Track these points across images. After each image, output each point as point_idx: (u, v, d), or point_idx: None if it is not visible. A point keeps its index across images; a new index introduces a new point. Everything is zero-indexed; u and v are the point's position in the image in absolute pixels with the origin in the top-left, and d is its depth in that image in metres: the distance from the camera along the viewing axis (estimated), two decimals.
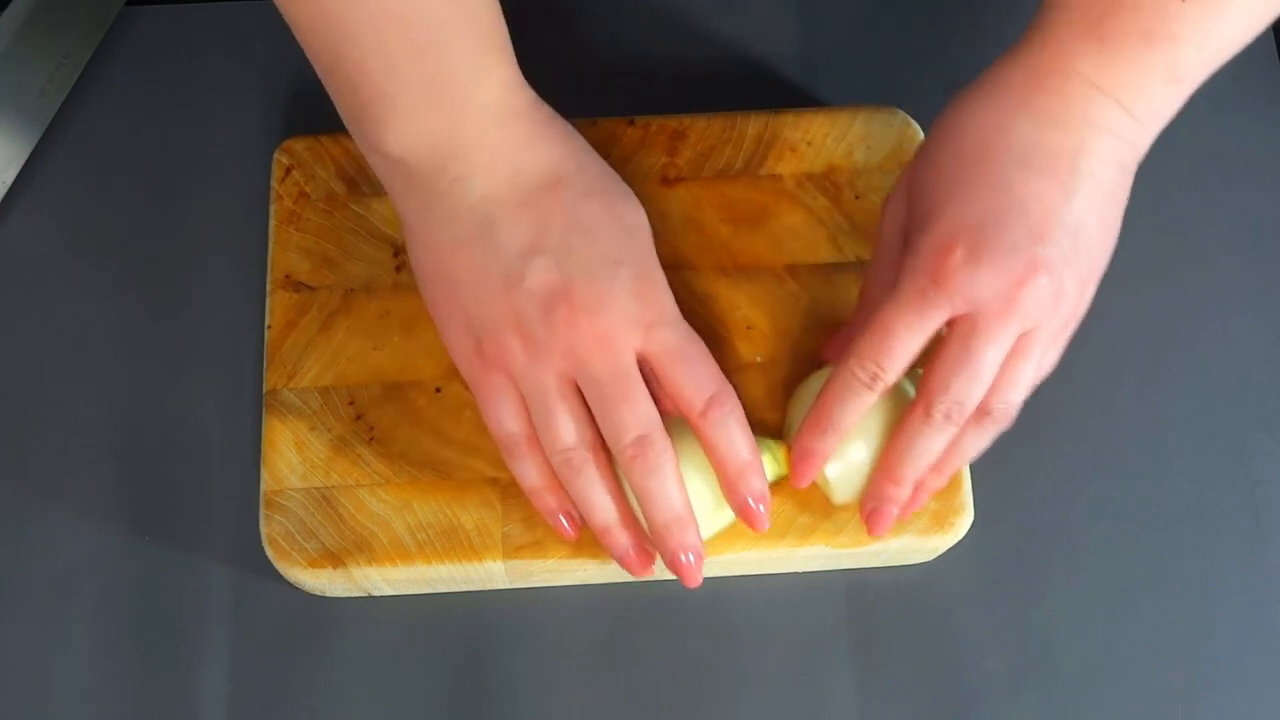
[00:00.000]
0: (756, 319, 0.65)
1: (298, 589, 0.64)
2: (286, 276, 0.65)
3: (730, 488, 0.57)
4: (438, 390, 0.64)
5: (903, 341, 0.55)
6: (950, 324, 0.55)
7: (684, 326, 0.57)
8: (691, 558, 0.56)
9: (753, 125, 0.67)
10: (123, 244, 0.71)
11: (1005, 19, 0.75)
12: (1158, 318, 0.70)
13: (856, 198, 0.66)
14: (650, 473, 0.55)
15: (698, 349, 0.57)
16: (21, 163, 0.71)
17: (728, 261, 0.65)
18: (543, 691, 0.64)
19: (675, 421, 0.62)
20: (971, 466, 0.62)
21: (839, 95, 0.73)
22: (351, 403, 0.63)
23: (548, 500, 0.58)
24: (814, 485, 0.62)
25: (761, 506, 0.57)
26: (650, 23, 0.75)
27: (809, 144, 0.67)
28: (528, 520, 0.61)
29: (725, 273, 0.65)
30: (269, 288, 0.65)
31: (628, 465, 0.55)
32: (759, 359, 0.64)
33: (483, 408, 0.57)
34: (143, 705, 0.64)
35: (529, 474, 0.58)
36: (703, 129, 0.67)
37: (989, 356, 0.54)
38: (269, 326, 0.65)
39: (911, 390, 0.62)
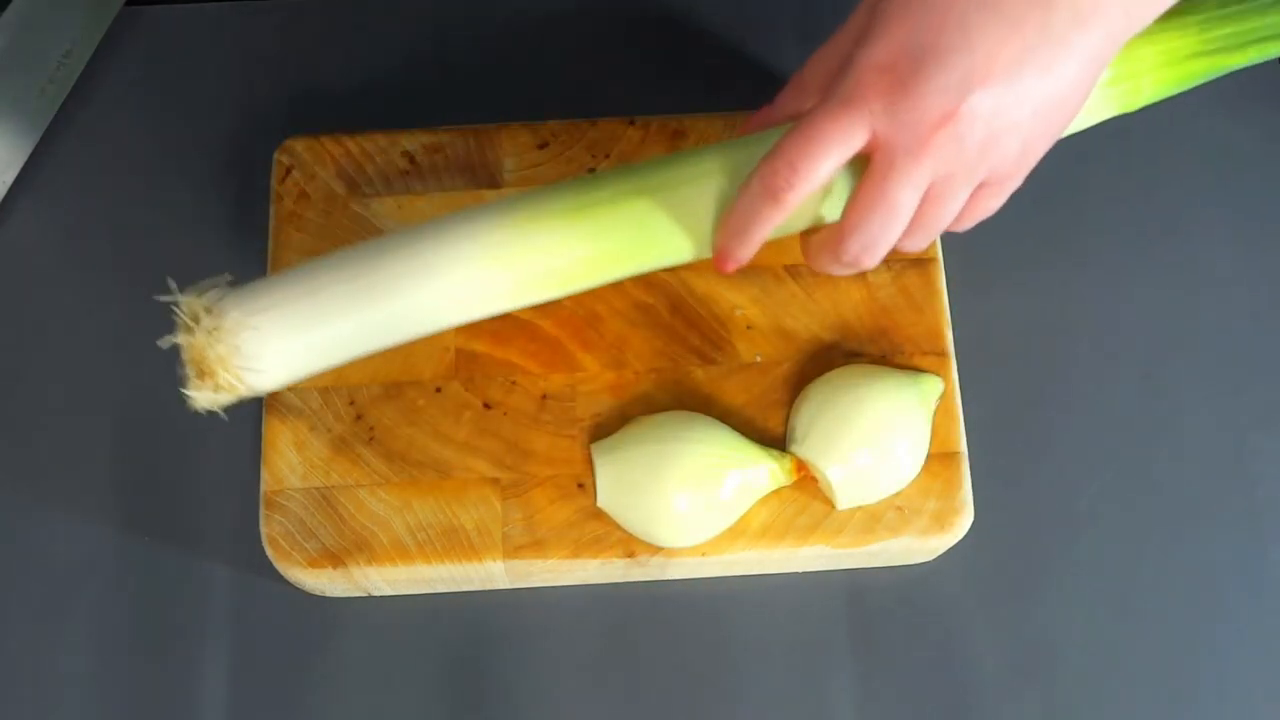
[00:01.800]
0: (756, 319, 0.65)
1: (298, 589, 0.64)
2: None
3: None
4: (438, 390, 0.64)
5: (820, 151, 0.52)
6: (868, 158, 0.53)
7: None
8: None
9: None
10: (123, 243, 0.71)
11: None
12: (1158, 317, 0.70)
13: None
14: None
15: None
16: (22, 162, 0.71)
17: None
18: (542, 691, 0.64)
19: (670, 426, 0.62)
20: (971, 466, 0.63)
21: None
22: (351, 403, 0.63)
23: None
24: (816, 487, 0.62)
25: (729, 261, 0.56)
26: (650, 23, 0.75)
27: None
28: (528, 520, 0.61)
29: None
30: None
31: None
32: (759, 359, 0.64)
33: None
34: (143, 705, 0.64)
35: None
36: (703, 129, 0.67)
37: (903, 198, 0.52)
38: None
39: (917, 391, 0.62)
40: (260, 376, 0.55)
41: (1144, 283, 0.70)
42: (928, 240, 0.55)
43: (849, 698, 0.64)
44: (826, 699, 0.64)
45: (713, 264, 0.56)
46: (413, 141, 0.67)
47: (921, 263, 0.65)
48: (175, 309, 0.54)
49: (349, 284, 0.55)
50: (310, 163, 0.67)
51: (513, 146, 0.67)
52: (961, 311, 0.66)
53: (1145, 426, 0.68)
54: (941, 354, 0.64)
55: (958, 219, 0.55)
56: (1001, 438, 0.67)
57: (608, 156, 0.67)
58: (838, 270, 0.56)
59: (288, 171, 0.67)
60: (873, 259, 0.54)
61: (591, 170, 0.67)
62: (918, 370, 0.64)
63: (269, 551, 0.62)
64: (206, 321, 0.54)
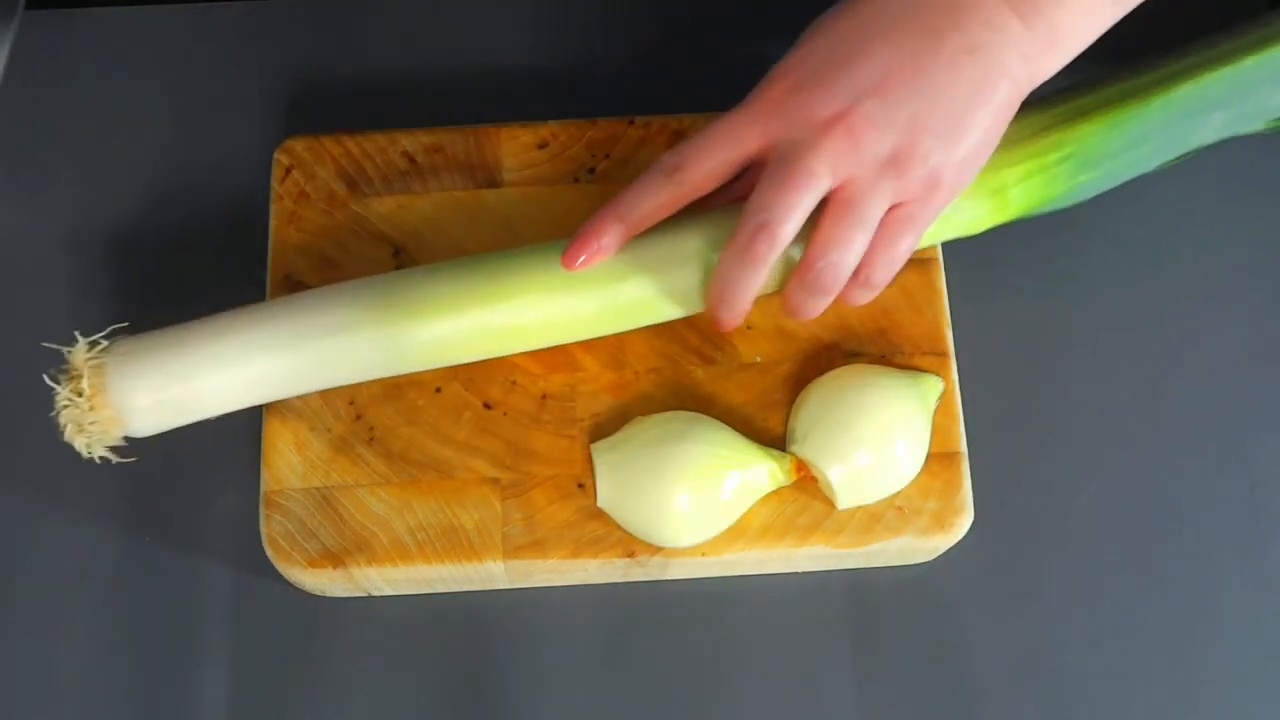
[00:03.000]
0: (756, 319, 0.65)
1: (298, 589, 0.64)
2: (286, 276, 0.65)
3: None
4: (438, 390, 0.64)
5: (714, 148, 0.56)
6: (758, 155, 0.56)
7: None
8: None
9: None
10: (123, 244, 0.71)
11: None
12: (1158, 317, 0.70)
13: None
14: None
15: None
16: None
17: None
18: (543, 691, 0.64)
19: (670, 426, 0.62)
20: (971, 466, 0.63)
21: None
22: (351, 403, 0.63)
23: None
24: (816, 487, 0.62)
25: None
26: (650, 23, 0.75)
27: None
28: (528, 520, 0.61)
29: None
30: (269, 288, 0.65)
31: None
32: (759, 359, 0.64)
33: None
34: (143, 705, 0.64)
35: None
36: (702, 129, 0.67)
37: (798, 184, 0.54)
38: None
39: (917, 391, 0.62)
40: (132, 425, 0.57)
41: (1144, 282, 0.70)
42: (844, 266, 0.55)
43: (849, 698, 0.64)
44: (826, 699, 0.64)
45: (564, 260, 0.58)
46: (413, 141, 0.67)
47: (921, 263, 0.65)
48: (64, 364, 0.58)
49: (213, 345, 0.58)
50: (310, 163, 0.67)
51: (513, 146, 0.67)
52: (961, 311, 0.66)
53: (1145, 427, 0.68)
54: (941, 354, 0.64)
55: (872, 258, 0.56)
56: (1001, 438, 0.67)
57: (608, 156, 0.67)
58: (737, 273, 0.56)
59: (288, 171, 0.67)
60: (768, 248, 0.55)
61: (591, 171, 0.67)
62: (918, 370, 0.64)
63: (269, 551, 0.62)
64: (89, 375, 0.57)
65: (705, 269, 0.58)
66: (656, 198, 0.56)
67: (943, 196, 0.56)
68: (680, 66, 0.74)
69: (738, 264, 0.56)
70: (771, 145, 0.55)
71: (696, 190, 0.56)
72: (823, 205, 0.55)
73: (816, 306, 0.58)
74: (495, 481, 0.62)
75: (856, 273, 0.56)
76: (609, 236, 0.57)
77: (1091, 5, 0.54)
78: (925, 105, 0.53)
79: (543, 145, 0.67)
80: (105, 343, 0.57)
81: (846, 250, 0.55)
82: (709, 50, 0.74)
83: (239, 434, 0.67)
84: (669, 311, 0.60)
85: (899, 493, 0.62)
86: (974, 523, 0.62)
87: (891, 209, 0.55)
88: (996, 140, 0.56)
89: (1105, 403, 0.68)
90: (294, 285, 0.65)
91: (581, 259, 0.57)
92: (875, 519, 0.62)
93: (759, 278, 0.56)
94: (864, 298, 0.58)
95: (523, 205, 0.66)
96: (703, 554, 0.61)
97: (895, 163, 0.54)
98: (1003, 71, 0.54)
